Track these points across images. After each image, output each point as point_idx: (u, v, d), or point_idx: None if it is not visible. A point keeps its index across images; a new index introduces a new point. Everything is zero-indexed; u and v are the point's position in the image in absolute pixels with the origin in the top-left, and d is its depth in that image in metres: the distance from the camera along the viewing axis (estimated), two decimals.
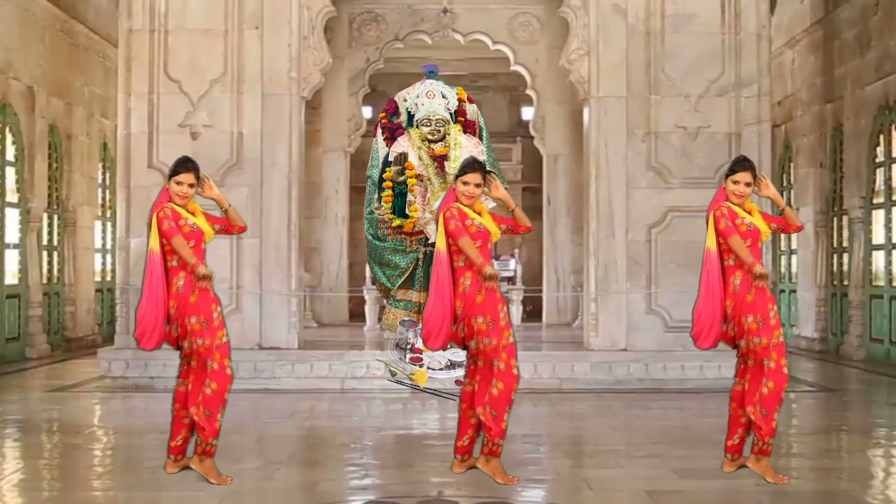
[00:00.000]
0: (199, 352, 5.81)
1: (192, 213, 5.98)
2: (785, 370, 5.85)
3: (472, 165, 6.07)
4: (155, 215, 5.89)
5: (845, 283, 14.19)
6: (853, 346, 13.61)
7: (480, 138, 11.30)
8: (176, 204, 5.92)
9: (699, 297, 5.99)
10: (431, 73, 11.28)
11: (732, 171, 6.03)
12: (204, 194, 6.07)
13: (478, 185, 5.99)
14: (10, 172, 12.97)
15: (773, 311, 5.89)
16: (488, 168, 10.53)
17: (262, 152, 10.88)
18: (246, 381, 10.07)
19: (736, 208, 5.98)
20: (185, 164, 5.98)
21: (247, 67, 10.94)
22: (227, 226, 6.15)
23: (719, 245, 5.95)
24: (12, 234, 13.01)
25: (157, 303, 5.83)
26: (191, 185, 5.93)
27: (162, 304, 5.83)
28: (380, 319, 12.94)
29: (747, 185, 5.98)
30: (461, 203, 6.00)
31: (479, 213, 6.02)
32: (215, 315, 5.88)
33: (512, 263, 17.61)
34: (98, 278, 15.93)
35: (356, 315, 15.73)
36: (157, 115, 10.90)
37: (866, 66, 13.53)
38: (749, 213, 6.01)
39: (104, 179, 16.11)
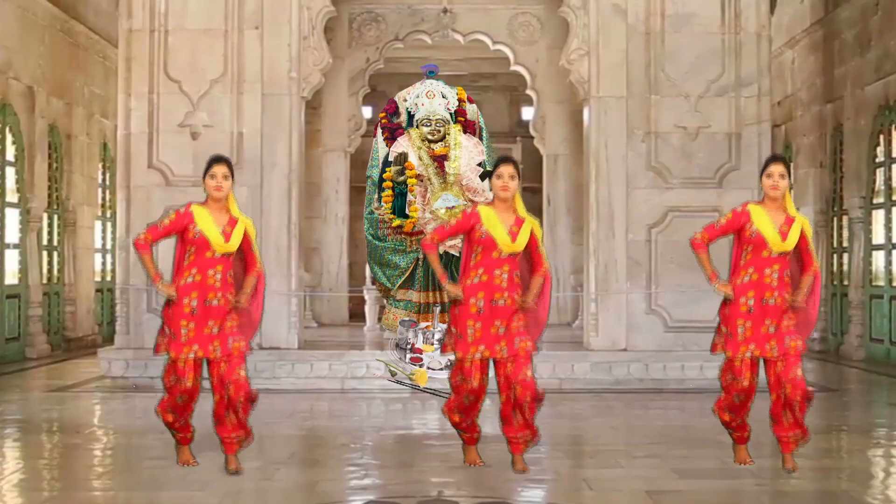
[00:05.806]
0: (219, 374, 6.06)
1: (228, 211, 6.03)
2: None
3: (503, 159, 6.13)
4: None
5: (845, 283, 14.19)
6: (853, 346, 13.60)
7: (480, 138, 11.31)
8: (213, 199, 6.01)
9: None
10: (431, 73, 11.28)
11: (765, 166, 6.08)
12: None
13: (512, 178, 6.02)
14: (10, 172, 12.97)
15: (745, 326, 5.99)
16: (487, 167, 10.56)
17: (262, 152, 10.87)
18: None
19: (756, 212, 5.97)
20: (216, 160, 6.10)
21: (247, 67, 10.93)
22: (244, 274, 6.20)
23: (734, 245, 6.05)
24: (12, 234, 13.01)
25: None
26: (225, 177, 6.01)
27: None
28: (380, 319, 12.93)
29: (781, 176, 5.97)
30: (497, 198, 6.04)
31: (516, 211, 6.04)
32: (184, 332, 6.00)
33: None
34: (98, 278, 15.94)
35: (356, 315, 15.70)
36: (157, 115, 10.90)
37: (866, 66, 13.53)
38: (785, 210, 5.96)
39: (104, 179, 16.11)
